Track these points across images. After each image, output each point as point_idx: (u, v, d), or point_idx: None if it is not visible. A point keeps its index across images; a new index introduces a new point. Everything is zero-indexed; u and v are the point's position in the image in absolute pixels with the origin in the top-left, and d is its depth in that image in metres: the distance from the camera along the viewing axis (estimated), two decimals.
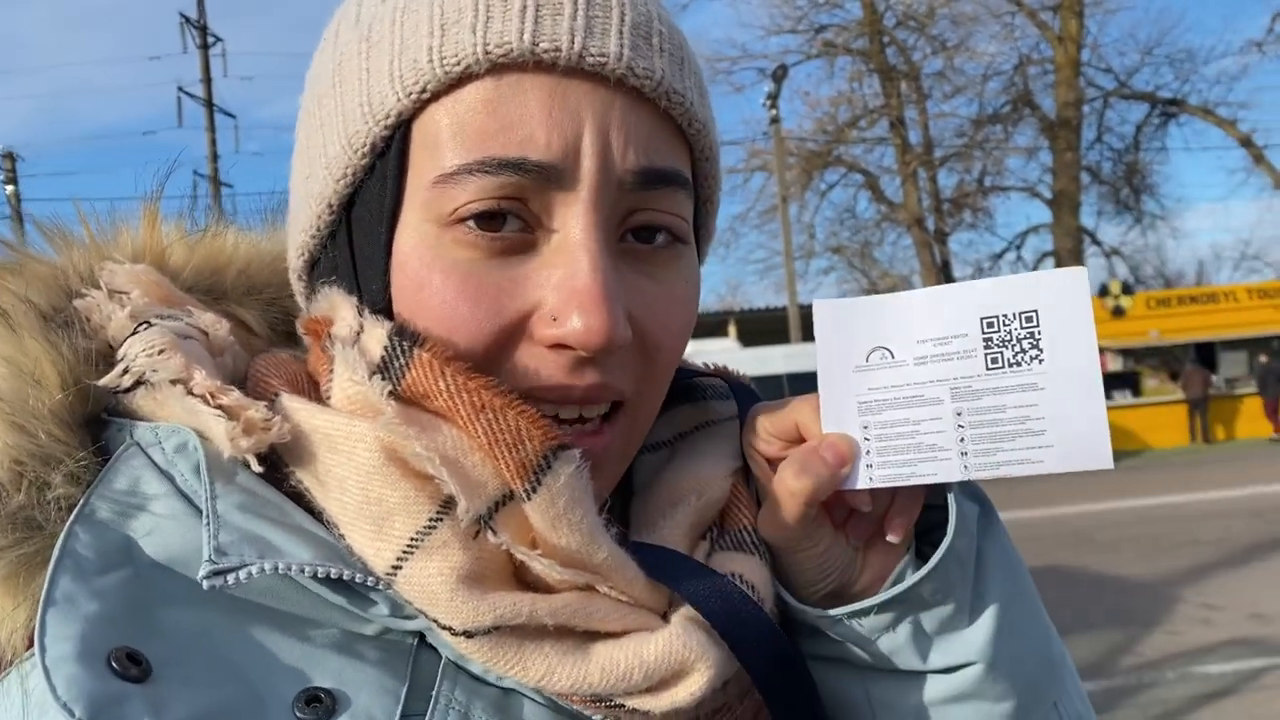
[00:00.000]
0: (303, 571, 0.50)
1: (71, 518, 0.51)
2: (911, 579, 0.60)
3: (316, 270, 0.61)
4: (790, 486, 0.60)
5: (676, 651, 0.54)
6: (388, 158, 0.56)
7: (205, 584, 0.48)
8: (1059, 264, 19.37)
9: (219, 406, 0.54)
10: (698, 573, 0.58)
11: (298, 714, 0.49)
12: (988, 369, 0.61)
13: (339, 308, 0.58)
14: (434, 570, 0.51)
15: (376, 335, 0.55)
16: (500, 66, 0.54)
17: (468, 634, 0.51)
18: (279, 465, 0.56)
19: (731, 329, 23.29)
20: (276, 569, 0.50)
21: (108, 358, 0.57)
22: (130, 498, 0.52)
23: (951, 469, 0.60)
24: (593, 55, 0.54)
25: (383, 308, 0.57)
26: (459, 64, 0.54)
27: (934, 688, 0.62)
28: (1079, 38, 23.87)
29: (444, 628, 0.52)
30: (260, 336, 0.69)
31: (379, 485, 0.52)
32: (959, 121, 25.89)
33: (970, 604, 0.62)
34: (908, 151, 25.14)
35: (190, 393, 0.55)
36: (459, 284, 0.55)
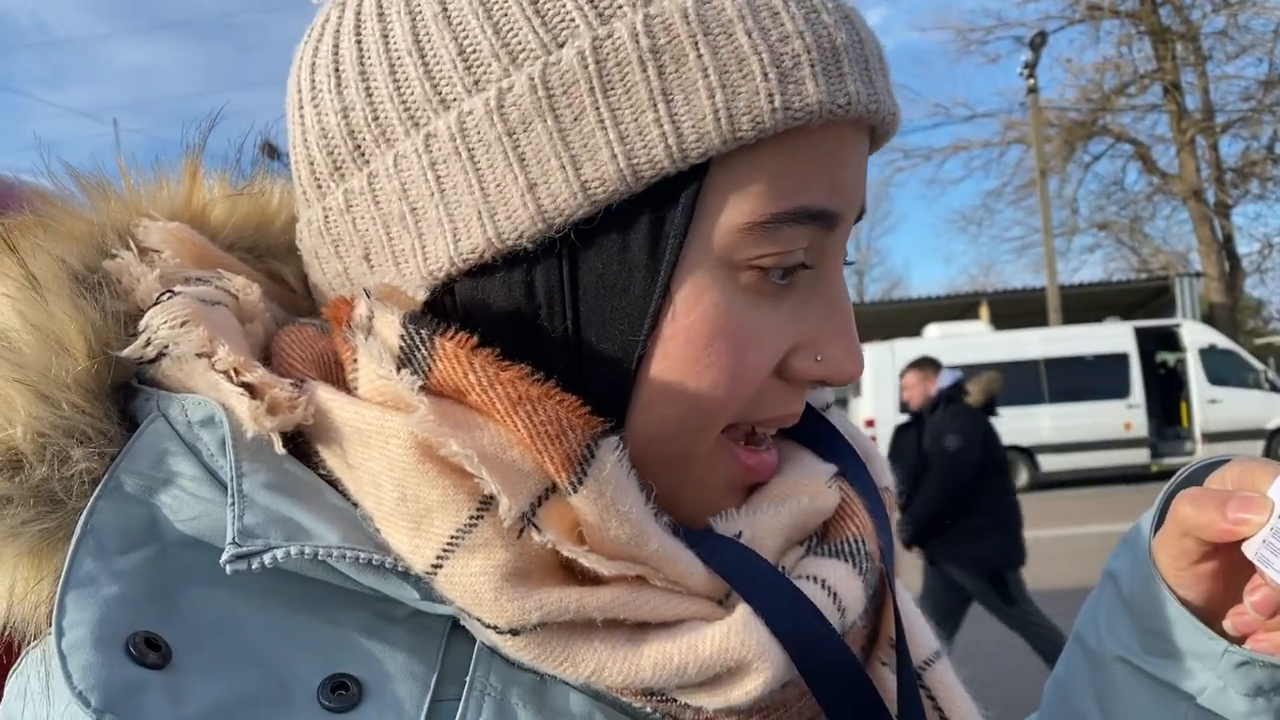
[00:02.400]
0: (331, 555, 0.48)
1: (95, 493, 0.49)
2: None
3: (484, 281, 0.54)
4: (1179, 510, 0.64)
5: (733, 648, 0.50)
6: (682, 195, 0.51)
7: (228, 568, 0.46)
8: None
9: (243, 383, 0.52)
10: (764, 572, 0.54)
11: (323, 701, 0.47)
12: None
13: (359, 295, 0.54)
14: (476, 569, 0.48)
15: (389, 323, 0.51)
16: (827, 121, 0.52)
17: (514, 632, 0.49)
18: (306, 449, 0.54)
19: (984, 311, 22.35)
20: (304, 553, 0.47)
21: (139, 321, 0.55)
22: (156, 472, 0.51)
23: None
24: (889, 114, 0.55)
25: (634, 349, 0.53)
26: (802, 117, 0.50)
27: None
28: None
29: (489, 626, 0.49)
30: (301, 295, 0.66)
31: (416, 483, 0.49)
32: (1245, 84, 23.74)
33: None
34: (1184, 118, 23.28)
35: (214, 368, 0.52)
36: (750, 337, 0.54)
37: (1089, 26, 24.37)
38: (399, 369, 0.50)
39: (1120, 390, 16.25)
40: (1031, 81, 21.69)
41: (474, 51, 0.51)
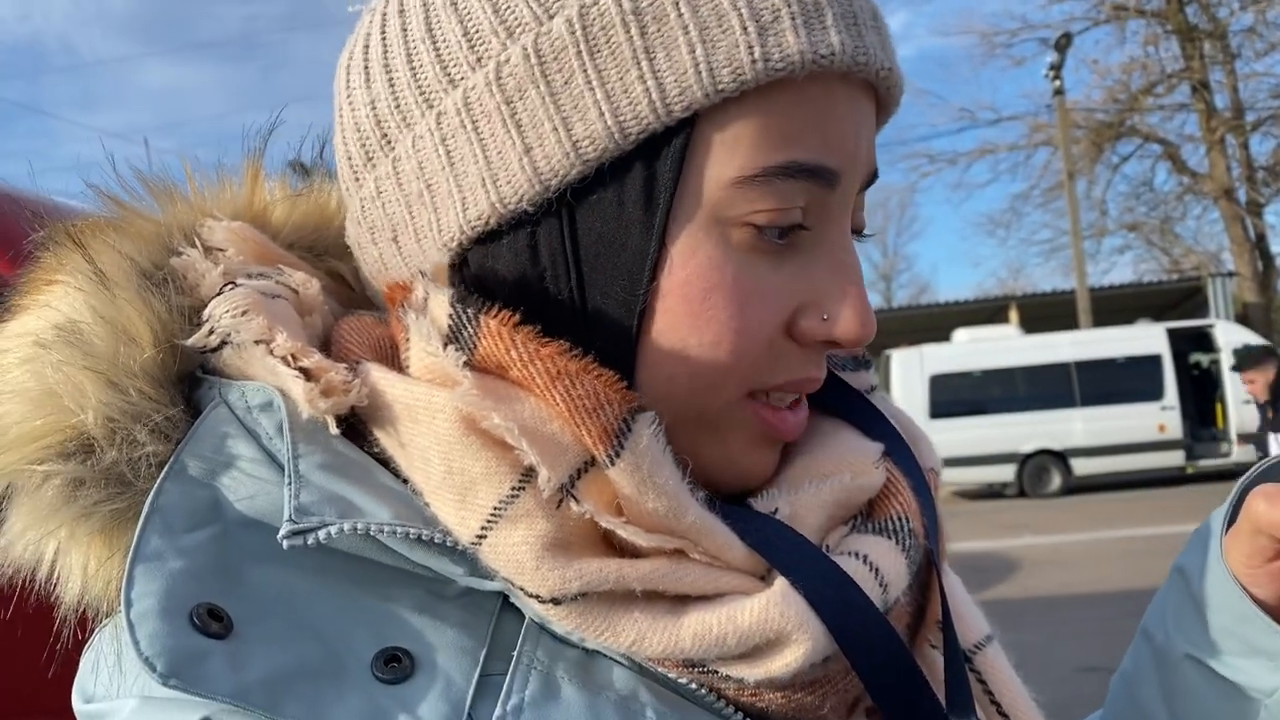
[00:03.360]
0: (382, 531, 0.50)
1: (162, 475, 0.52)
2: None
3: (493, 247, 0.56)
4: (1252, 506, 0.64)
5: (773, 619, 0.51)
6: (670, 149, 0.53)
7: (285, 543, 0.48)
8: None
9: (300, 368, 0.54)
10: (800, 547, 0.55)
11: (376, 674, 0.48)
12: None
13: (415, 274, 0.57)
14: (519, 539, 0.50)
15: (439, 302, 0.54)
16: (813, 73, 0.53)
17: (555, 601, 0.50)
18: (361, 430, 0.56)
19: (1013, 315, 22.22)
20: (356, 529, 0.49)
21: (202, 313, 0.58)
22: (218, 455, 0.53)
23: None
24: (884, 69, 0.55)
25: (635, 305, 0.54)
26: (784, 67, 0.51)
27: None
28: None
29: (531, 595, 0.51)
30: (359, 292, 0.69)
31: (460, 456, 0.51)
32: (1275, 81, 23.44)
33: None
34: (1214, 117, 23.00)
35: (272, 353, 0.55)
36: (750, 287, 0.54)
37: (1115, 27, 24.19)
38: (445, 346, 0.53)
39: (1154, 392, 16.10)
40: (1057, 83, 21.56)
41: (476, 31, 0.54)
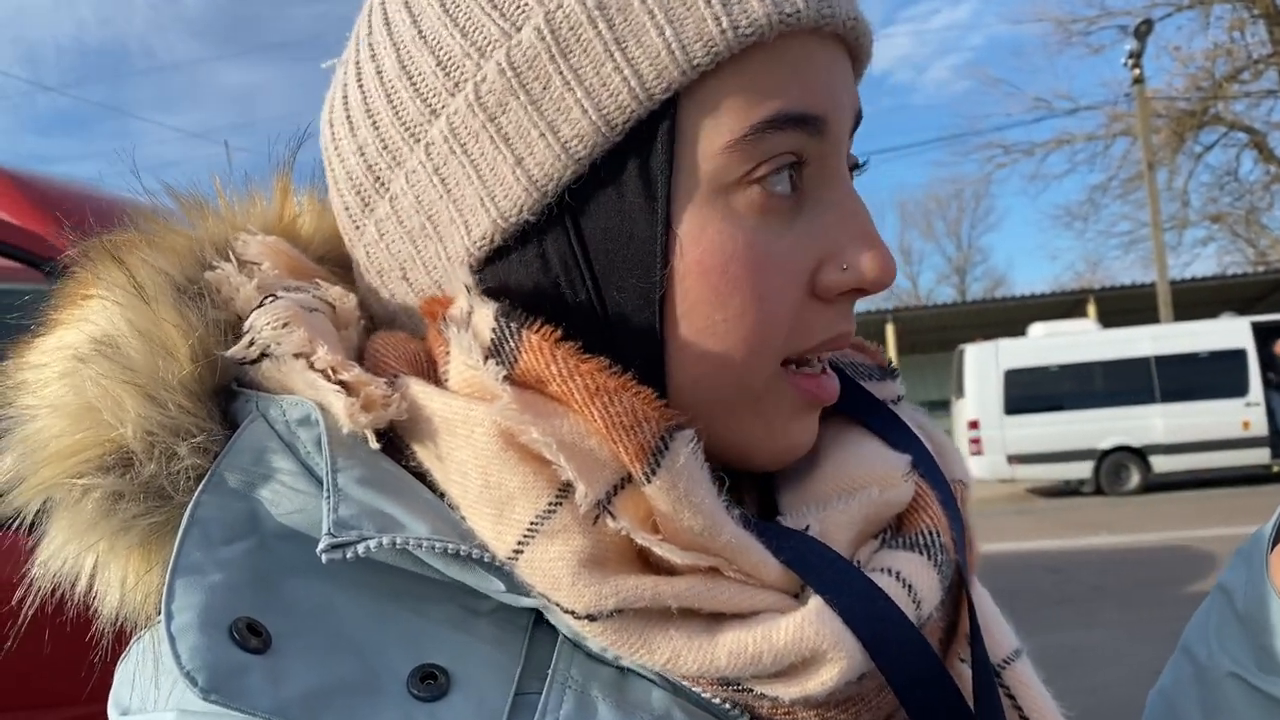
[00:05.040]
0: (420, 546, 0.50)
1: (200, 487, 0.52)
2: None
3: (503, 264, 0.57)
4: None
5: (809, 638, 0.50)
6: (659, 132, 0.53)
7: (324, 557, 0.48)
8: None
9: (339, 382, 0.54)
10: (835, 563, 0.54)
11: (412, 690, 0.48)
12: None
13: (457, 288, 0.56)
14: (555, 554, 0.50)
15: (484, 316, 0.54)
16: (782, 33, 0.53)
17: (591, 618, 0.50)
18: (399, 444, 0.56)
19: (1090, 309, 21.75)
20: (394, 544, 0.49)
21: (237, 330, 0.57)
22: (256, 468, 0.53)
23: None
24: (850, 19, 0.56)
25: (654, 293, 0.55)
26: (753, 32, 0.52)
27: None
28: None
29: (567, 611, 0.50)
30: None
31: (498, 470, 0.51)
32: None
33: None
34: None
35: (312, 367, 0.55)
36: (765, 251, 0.54)
37: (1198, 12, 23.53)
38: (486, 360, 0.53)
39: (1238, 388, 15.65)
40: (1137, 72, 21.02)
41: (448, 57, 0.55)
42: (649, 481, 0.50)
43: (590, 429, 0.51)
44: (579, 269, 0.55)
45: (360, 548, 0.49)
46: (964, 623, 0.61)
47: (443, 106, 0.55)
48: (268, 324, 0.56)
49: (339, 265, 0.67)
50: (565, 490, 0.51)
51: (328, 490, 0.51)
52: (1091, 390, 16.38)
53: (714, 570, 0.52)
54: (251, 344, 0.56)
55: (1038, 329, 17.57)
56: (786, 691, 0.51)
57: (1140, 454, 16.10)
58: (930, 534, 0.59)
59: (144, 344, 0.55)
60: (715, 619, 0.52)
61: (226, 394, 0.58)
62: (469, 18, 0.54)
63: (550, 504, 0.51)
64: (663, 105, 0.53)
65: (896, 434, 0.64)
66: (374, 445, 0.54)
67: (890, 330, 23.06)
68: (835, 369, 0.65)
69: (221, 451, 0.54)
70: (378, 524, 0.50)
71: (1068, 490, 17.11)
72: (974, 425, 16.30)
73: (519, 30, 0.53)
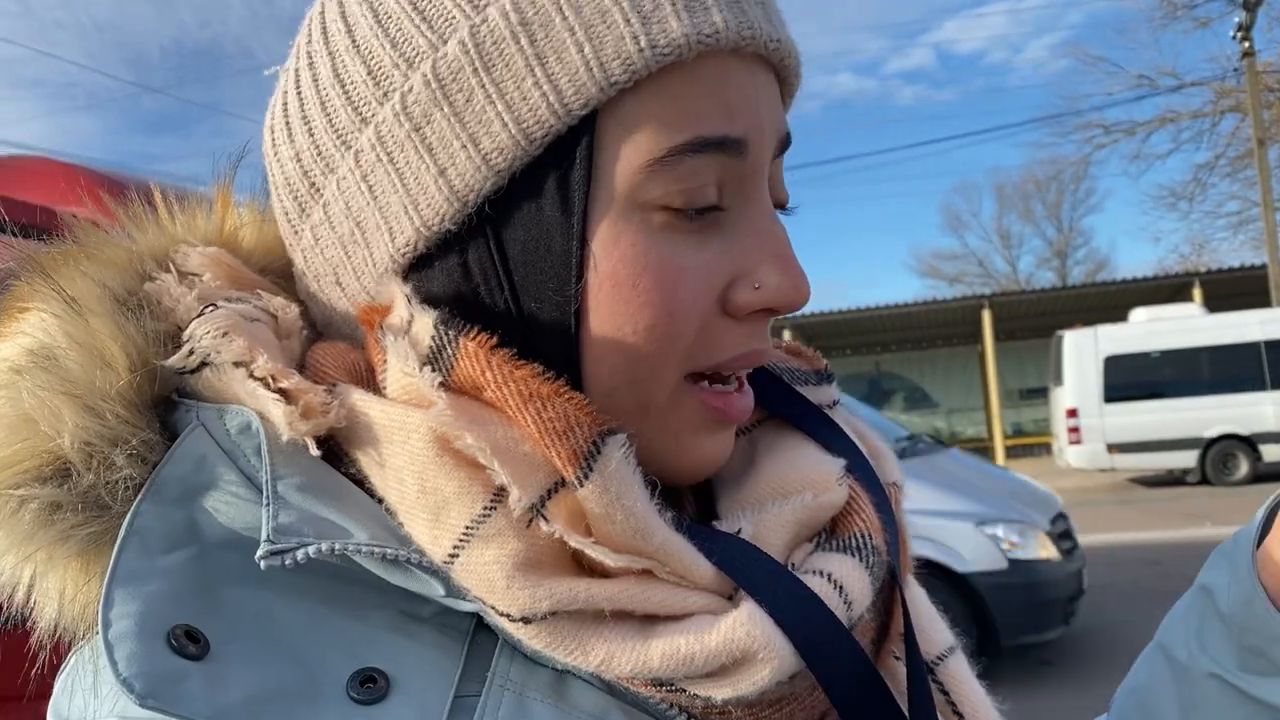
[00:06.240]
0: (359, 551, 0.50)
1: (139, 497, 0.52)
2: None
3: (426, 272, 0.58)
4: None
5: (740, 639, 0.51)
6: (578, 149, 0.54)
7: (262, 563, 0.48)
8: None
9: (279, 390, 0.55)
10: (765, 565, 0.55)
11: (351, 694, 0.49)
12: None
13: (394, 296, 0.57)
14: (490, 558, 0.50)
15: (424, 324, 0.55)
16: (701, 53, 0.54)
17: (525, 620, 0.51)
18: (339, 452, 0.56)
19: (1196, 293, 21.02)
20: (334, 549, 0.50)
21: (177, 341, 0.58)
22: (196, 477, 0.53)
23: None
24: (773, 40, 0.57)
25: (569, 305, 0.56)
26: (670, 51, 0.53)
27: None
28: None
29: (502, 614, 0.51)
30: None
31: (434, 475, 0.52)
32: None
33: None
34: None
35: (252, 375, 0.55)
36: (676, 267, 0.55)
37: None
38: (422, 367, 0.54)
39: None
40: (1247, 45, 20.25)
41: (379, 67, 0.56)
42: (582, 485, 0.51)
43: (524, 434, 0.52)
44: (498, 279, 0.56)
45: (300, 554, 0.49)
46: (897, 622, 0.62)
47: (372, 115, 0.56)
48: (207, 333, 0.56)
49: (281, 276, 0.67)
50: (500, 495, 0.51)
51: (267, 497, 0.51)
52: (1196, 377, 15.90)
53: (647, 573, 0.53)
54: (191, 353, 0.57)
55: (1139, 314, 17.08)
56: (719, 691, 0.52)
57: (1250, 442, 15.56)
58: (863, 536, 0.60)
59: (82, 355, 0.56)
60: (649, 621, 0.53)
61: (167, 404, 0.58)
62: (399, 29, 0.55)
63: (485, 509, 0.51)
64: (582, 121, 0.54)
65: (832, 438, 0.65)
66: (315, 452, 0.54)
67: (986, 316, 22.58)
68: (771, 374, 0.68)
69: (160, 461, 0.54)
70: (317, 530, 0.50)
71: (1172, 480, 16.65)
72: (1072, 414, 15.94)
73: (445, 43, 0.54)
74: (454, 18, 0.54)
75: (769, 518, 0.59)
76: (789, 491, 0.61)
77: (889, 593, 0.62)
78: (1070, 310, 22.53)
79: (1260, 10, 20.51)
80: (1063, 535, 6.54)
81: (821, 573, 0.56)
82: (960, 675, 0.66)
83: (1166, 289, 22.29)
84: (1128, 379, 15.86)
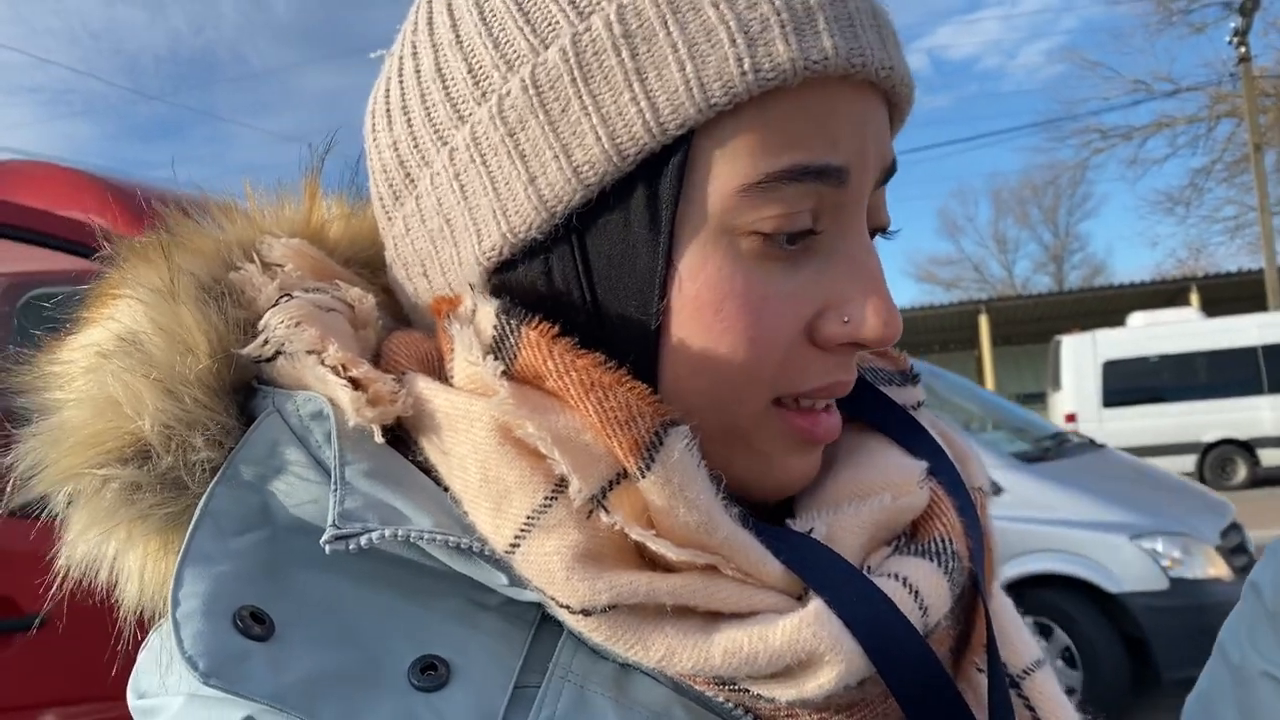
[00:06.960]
0: (423, 538, 0.51)
1: (215, 479, 0.53)
2: None
3: (510, 275, 0.57)
4: None
5: (806, 639, 0.49)
6: (670, 165, 0.53)
7: (327, 548, 0.49)
8: None
9: (349, 378, 0.56)
10: (835, 565, 0.54)
11: (412, 681, 0.49)
12: None
13: (462, 288, 0.58)
14: (550, 548, 0.50)
15: (486, 314, 0.55)
16: (808, 79, 0.52)
17: (585, 612, 0.50)
18: (408, 440, 0.57)
19: (1193, 297, 21.07)
20: (398, 536, 0.50)
21: (258, 329, 0.59)
22: (270, 461, 0.55)
23: None
24: (884, 68, 0.55)
25: (650, 323, 0.55)
26: (775, 76, 0.51)
27: None
28: None
29: (562, 606, 0.51)
30: None
31: (496, 464, 0.52)
32: None
33: None
34: None
35: (323, 363, 0.56)
36: (763, 294, 0.54)
37: None
38: (486, 356, 0.54)
39: None
40: (1243, 50, 20.30)
41: (479, 66, 0.55)
42: (644, 476, 0.51)
43: (585, 424, 0.52)
44: (581, 290, 0.56)
45: (364, 539, 0.50)
46: (980, 632, 0.60)
47: (469, 115, 0.56)
48: (281, 322, 0.58)
49: (365, 268, 0.69)
50: (561, 485, 0.51)
51: (335, 483, 0.52)
52: (1194, 382, 15.91)
53: (711, 568, 0.52)
54: (265, 342, 0.58)
55: (1137, 319, 17.09)
56: (783, 693, 0.51)
57: (1247, 447, 15.57)
58: (943, 541, 0.58)
59: (165, 340, 0.57)
60: (712, 617, 0.52)
61: (247, 390, 0.59)
62: (503, 29, 0.55)
63: (546, 499, 0.51)
64: (676, 140, 0.53)
65: (915, 440, 0.64)
66: (379, 439, 0.55)
67: (983, 321, 22.59)
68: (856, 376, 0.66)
69: (237, 445, 0.55)
70: (382, 516, 0.51)
71: None
72: (1071, 419, 15.94)
73: (546, 48, 0.54)
74: (558, 23, 0.54)
75: (844, 519, 0.57)
76: (867, 493, 0.59)
77: (971, 600, 0.60)
78: (1067, 315, 22.54)
79: (1256, 15, 20.54)
80: (1235, 549, 5.45)
81: (897, 576, 0.54)
82: (1047, 691, 0.64)
83: (1164, 293, 22.34)
84: (1126, 384, 15.86)
